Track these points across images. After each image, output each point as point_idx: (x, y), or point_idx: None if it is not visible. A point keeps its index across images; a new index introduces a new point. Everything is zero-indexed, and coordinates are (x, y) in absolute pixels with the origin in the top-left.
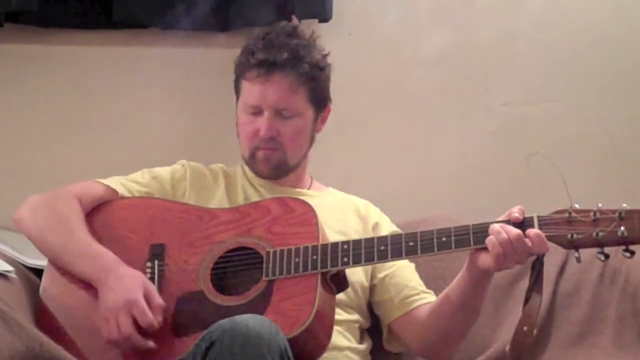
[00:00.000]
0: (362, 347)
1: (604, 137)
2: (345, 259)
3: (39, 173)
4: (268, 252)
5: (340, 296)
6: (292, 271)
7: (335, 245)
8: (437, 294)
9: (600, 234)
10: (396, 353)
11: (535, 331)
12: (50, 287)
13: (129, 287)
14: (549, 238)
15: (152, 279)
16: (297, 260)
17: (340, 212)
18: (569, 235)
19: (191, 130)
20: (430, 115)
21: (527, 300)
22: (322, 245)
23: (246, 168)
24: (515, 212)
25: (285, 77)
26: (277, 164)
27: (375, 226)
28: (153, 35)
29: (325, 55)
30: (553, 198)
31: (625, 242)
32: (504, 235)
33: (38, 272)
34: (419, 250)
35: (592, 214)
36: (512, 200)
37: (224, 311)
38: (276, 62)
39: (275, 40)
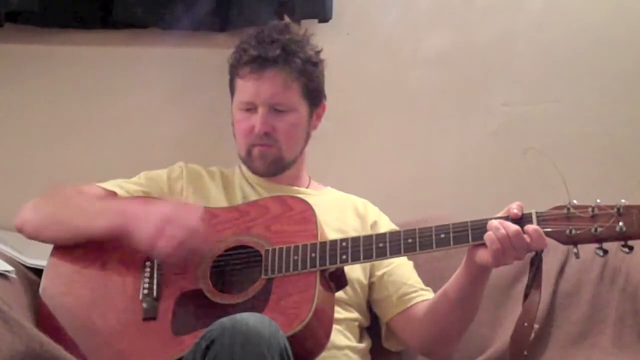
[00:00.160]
0: (362, 346)
1: (604, 137)
2: (344, 257)
3: (39, 173)
4: (267, 251)
5: (340, 294)
6: (291, 269)
7: (333, 242)
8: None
9: (599, 229)
10: (396, 352)
11: (535, 326)
12: (50, 287)
13: (158, 207)
14: (548, 234)
15: (151, 277)
16: (296, 258)
17: (339, 210)
18: (568, 231)
19: (191, 130)
20: (430, 115)
21: (526, 296)
22: (320, 243)
23: (244, 167)
24: (514, 208)
25: (278, 72)
26: (273, 160)
27: (374, 224)
28: (153, 35)
29: (318, 52)
30: (553, 198)
31: (623, 238)
32: (503, 231)
33: (38, 272)
34: (417, 247)
35: (590, 209)
36: (512, 200)
37: (223, 309)
38: (268, 58)
39: (267, 37)
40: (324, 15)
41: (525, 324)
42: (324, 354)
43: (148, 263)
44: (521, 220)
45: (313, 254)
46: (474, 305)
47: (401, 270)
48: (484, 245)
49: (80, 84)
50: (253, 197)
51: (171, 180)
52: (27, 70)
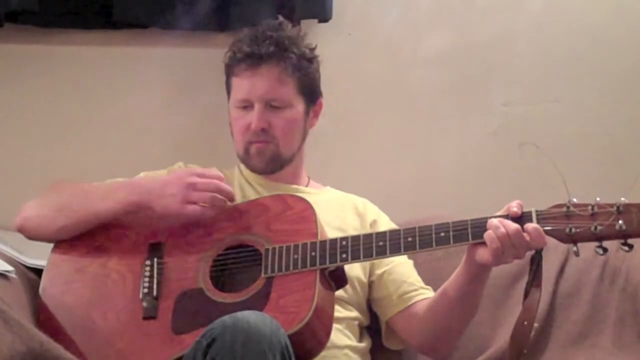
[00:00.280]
0: (362, 345)
1: (604, 137)
2: (344, 255)
3: (39, 173)
4: (267, 249)
5: (340, 293)
6: (291, 268)
7: (333, 241)
8: None
9: (599, 227)
10: (396, 351)
11: (535, 325)
12: (50, 286)
13: (175, 176)
14: (547, 232)
15: (151, 277)
16: (295, 256)
17: (339, 209)
18: (567, 229)
19: (191, 130)
20: (430, 115)
21: (526, 295)
22: (320, 241)
23: (242, 167)
24: (514, 207)
25: (273, 68)
26: (270, 157)
27: (374, 223)
28: (153, 35)
29: (312, 49)
30: (553, 198)
31: (623, 236)
32: (502, 229)
33: (38, 272)
34: (417, 246)
35: (590, 208)
36: (512, 200)
37: (223, 308)
38: (262, 55)
39: (261, 35)
40: (323, 15)
41: (525, 323)
42: (324, 353)
43: (148, 262)
44: (521, 218)
45: (313, 253)
46: (474, 304)
47: (401, 268)
48: (483, 243)
49: (80, 84)
50: (252, 196)
51: None
52: (27, 70)
